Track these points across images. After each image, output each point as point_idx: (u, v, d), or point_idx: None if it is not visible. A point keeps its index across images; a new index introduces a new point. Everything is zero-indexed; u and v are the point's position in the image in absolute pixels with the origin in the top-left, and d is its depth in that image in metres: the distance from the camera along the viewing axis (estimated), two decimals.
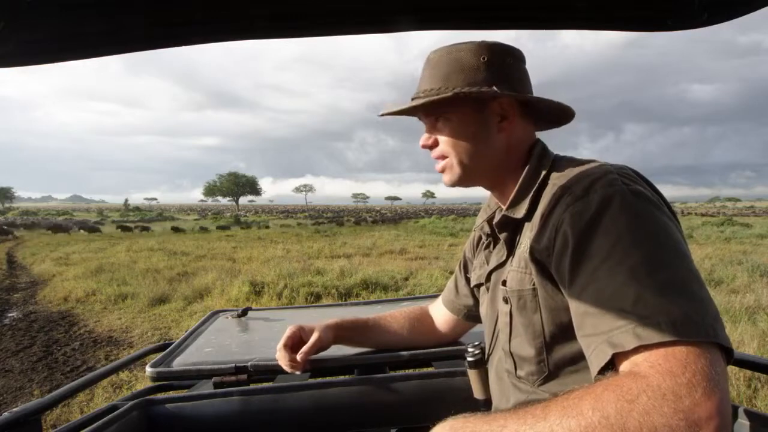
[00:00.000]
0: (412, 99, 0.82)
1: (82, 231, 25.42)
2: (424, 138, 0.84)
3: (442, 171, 0.83)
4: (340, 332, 1.10)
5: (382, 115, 0.86)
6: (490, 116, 0.79)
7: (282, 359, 1.03)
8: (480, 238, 0.97)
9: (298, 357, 1.02)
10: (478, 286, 0.95)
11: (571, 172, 0.71)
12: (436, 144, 0.83)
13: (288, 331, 1.05)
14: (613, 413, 0.47)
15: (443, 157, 0.82)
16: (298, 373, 1.03)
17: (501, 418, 0.54)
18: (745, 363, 0.95)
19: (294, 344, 1.05)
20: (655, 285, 0.54)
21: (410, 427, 1.07)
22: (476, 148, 0.80)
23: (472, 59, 0.77)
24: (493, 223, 0.85)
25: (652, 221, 0.60)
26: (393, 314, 1.19)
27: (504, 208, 0.82)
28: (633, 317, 0.53)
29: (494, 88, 0.75)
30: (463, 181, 0.83)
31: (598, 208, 0.62)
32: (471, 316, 1.08)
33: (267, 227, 29.22)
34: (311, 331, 1.06)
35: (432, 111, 0.81)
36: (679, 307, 0.52)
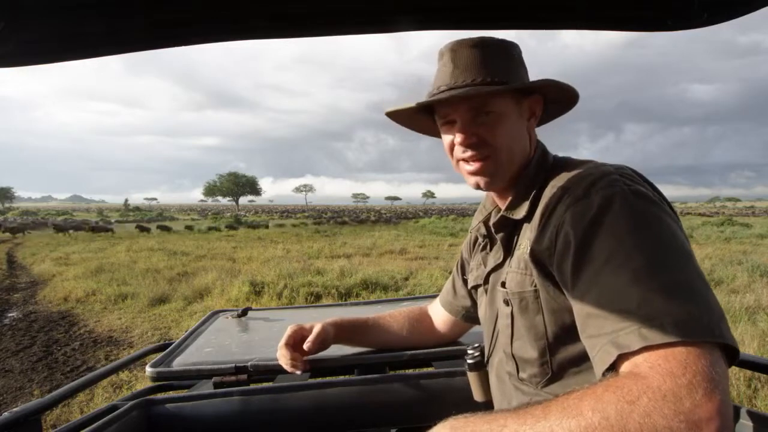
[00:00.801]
0: (445, 89, 0.75)
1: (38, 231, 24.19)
2: (465, 136, 0.75)
3: (479, 172, 0.77)
4: (340, 331, 1.10)
5: (419, 104, 0.78)
6: (524, 113, 0.78)
7: (283, 358, 1.02)
8: (476, 239, 0.96)
9: (305, 346, 1.02)
10: (476, 287, 0.95)
11: (570, 173, 0.70)
12: (479, 141, 0.75)
13: (289, 330, 1.05)
14: (613, 414, 0.47)
15: (485, 156, 0.76)
16: (298, 372, 1.03)
17: (501, 418, 0.54)
18: (745, 363, 0.95)
19: (295, 343, 1.04)
20: (659, 285, 0.54)
21: (410, 427, 1.07)
22: (517, 146, 0.78)
23: (510, 53, 0.77)
24: (490, 223, 0.85)
25: (654, 221, 0.60)
26: (392, 314, 1.18)
27: (502, 208, 0.81)
28: (638, 318, 0.53)
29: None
30: (503, 180, 0.78)
31: (599, 209, 0.61)
32: (469, 317, 1.07)
33: (234, 229, 27.64)
34: (312, 330, 1.05)
35: (477, 103, 0.75)
36: (684, 308, 0.52)
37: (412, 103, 0.79)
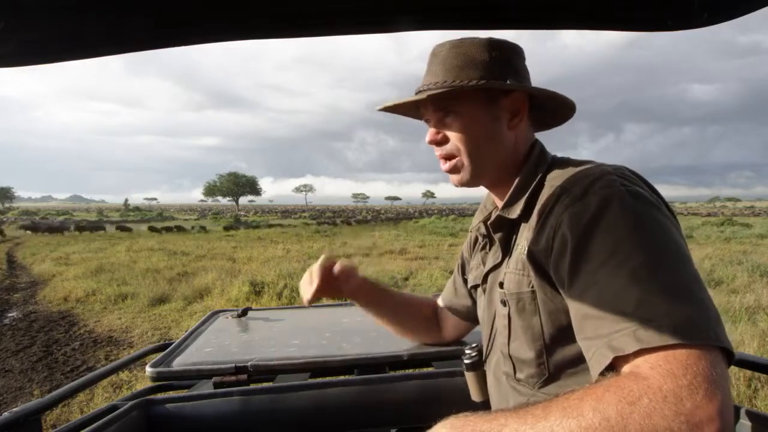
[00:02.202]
0: (417, 92, 0.79)
1: None
2: (432, 133, 0.80)
3: (452, 170, 0.80)
4: (365, 284, 1.10)
5: (383, 109, 0.82)
6: (502, 113, 0.78)
7: (308, 284, 1.03)
8: (476, 238, 0.96)
9: (335, 268, 1.03)
10: (475, 287, 0.95)
11: (568, 173, 0.70)
12: (444, 140, 0.79)
13: (321, 260, 1.04)
14: (614, 415, 0.47)
15: (452, 155, 0.79)
16: (309, 297, 1.02)
17: (501, 417, 0.54)
18: (745, 363, 0.95)
19: (327, 274, 1.04)
20: (656, 288, 0.54)
21: (410, 427, 1.07)
22: (487, 146, 0.78)
23: (483, 54, 0.76)
24: (488, 223, 0.85)
25: (651, 222, 0.60)
26: (412, 296, 1.20)
27: (499, 208, 0.81)
28: (634, 320, 0.53)
29: (508, 82, 0.75)
30: (473, 180, 0.80)
31: (597, 210, 0.61)
32: (471, 316, 1.07)
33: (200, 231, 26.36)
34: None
35: (442, 105, 0.78)
36: (680, 310, 0.52)
37: (394, 101, 0.81)
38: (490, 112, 0.77)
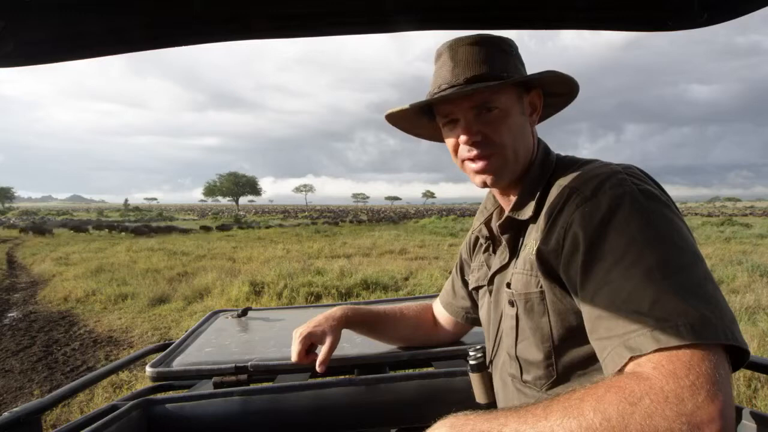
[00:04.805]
0: (439, 90, 0.74)
1: None
2: (470, 135, 0.74)
3: (485, 170, 0.75)
4: (350, 323, 1.09)
5: (420, 104, 0.76)
6: (525, 108, 0.77)
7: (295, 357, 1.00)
8: (477, 240, 0.96)
9: (318, 368, 0.99)
10: (477, 288, 0.94)
11: (577, 173, 0.69)
12: (485, 138, 0.74)
13: (298, 343, 1.00)
14: (615, 415, 0.46)
15: (490, 153, 0.74)
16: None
17: (502, 417, 0.54)
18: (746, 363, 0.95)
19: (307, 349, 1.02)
20: (671, 287, 0.53)
21: (410, 427, 1.07)
22: (522, 142, 0.76)
23: (506, 47, 0.75)
24: (496, 224, 0.84)
25: (663, 221, 0.60)
26: (401, 309, 1.19)
27: (507, 209, 0.80)
28: (650, 320, 0.52)
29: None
30: (509, 177, 0.77)
31: (608, 209, 0.61)
32: (470, 317, 1.07)
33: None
34: (322, 335, 1.02)
35: (482, 99, 0.73)
36: (696, 310, 0.51)
37: (411, 103, 0.77)
38: (520, 107, 0.76)
